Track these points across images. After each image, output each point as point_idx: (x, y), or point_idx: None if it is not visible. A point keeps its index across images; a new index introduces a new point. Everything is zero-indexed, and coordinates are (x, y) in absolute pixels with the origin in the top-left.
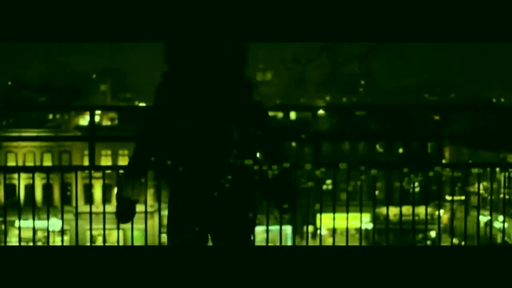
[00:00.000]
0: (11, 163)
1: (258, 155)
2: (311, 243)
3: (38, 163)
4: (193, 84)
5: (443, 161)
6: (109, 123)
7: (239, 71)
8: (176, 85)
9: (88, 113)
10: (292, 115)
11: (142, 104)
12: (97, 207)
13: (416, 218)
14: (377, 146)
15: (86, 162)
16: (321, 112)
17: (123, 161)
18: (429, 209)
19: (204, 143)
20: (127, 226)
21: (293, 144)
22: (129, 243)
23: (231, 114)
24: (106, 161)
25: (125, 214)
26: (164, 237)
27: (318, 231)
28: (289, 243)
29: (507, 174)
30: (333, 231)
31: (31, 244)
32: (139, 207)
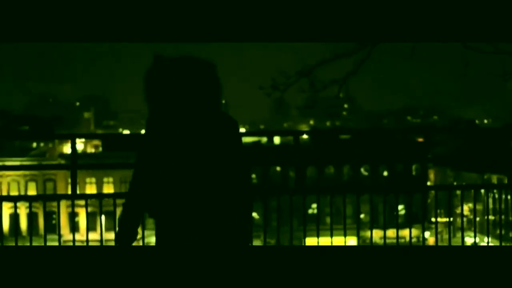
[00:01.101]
0: None
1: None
2: None
3: (22, 192)
4: (176, 127)
5: (428, 183)
6: (93, 150)
7: (215, 108)
8: (159, 131)
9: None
10: (276, 139)
11: (125, 132)
12: (82, 235)
13: (401, 240)
14: (362, 170)
15: (70, 191)
16: (304, 136)
17: (107, 188)
18: (415, 232)
19: (194, 180)
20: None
21: (278, 168)
22: None
23: (218, 153)
24: (90, 188)
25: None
26: None
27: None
28: None
29: (491, 195)
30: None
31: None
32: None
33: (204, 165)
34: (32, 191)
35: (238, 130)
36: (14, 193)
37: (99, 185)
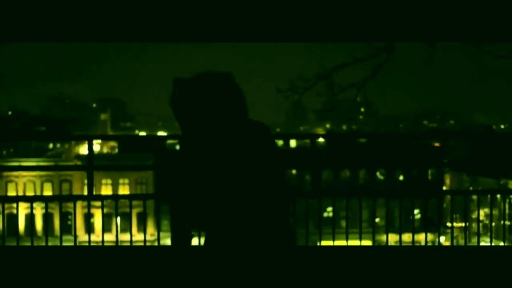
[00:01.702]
0: (11, 192)
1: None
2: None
3: (38, 193)
4: (210, 141)
5: (444, 188)
6: (109, 151)
7: (243, 115)
8: (195, 147)
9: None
10: (292, 143)
11: (142, 133)
12: (97, 236)
13: (417, 244)
14: (378, 174)
15: (86, 191)
16: (321, 139)
17: (123, 190)
18: (430, 236)
19: (238, 189)
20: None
21: (294, 171)
22: None
23: (256, 158)
24: (106, 190)
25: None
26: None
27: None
28: None
29: (507, 200)
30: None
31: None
32: (139, 236)
33: (245, 172)
34: (48, 192)
35: (270, 133)
36: (30, 193)
37: (115, 186)
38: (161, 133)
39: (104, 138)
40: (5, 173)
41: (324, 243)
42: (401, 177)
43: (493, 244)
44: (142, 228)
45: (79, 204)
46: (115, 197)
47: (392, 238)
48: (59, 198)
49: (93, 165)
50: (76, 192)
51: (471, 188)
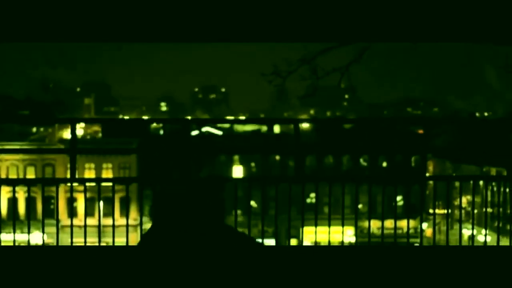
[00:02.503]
0: None
1: None
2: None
3: (21, 176)
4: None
5: (427, 174)
6: (93, 135)
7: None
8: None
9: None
10: (276, 128)
11: (126, 117)
12: (80, 220)
13: (399, 231)
14: (361, 160)
15: (69, 176)
16: (305, 125)
17: (106, 174)
18: (412, 223)
19: None
20: (109, 239)
21: (277, 157)
22: None
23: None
24: (89, 174)
25: None
26: None
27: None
28: None
29: (490, 187)
30: (315, 244)
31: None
32: (122, 221)
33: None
34: (31, 176)
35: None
36: (13, 177)
37: (98, 171)
38: (145, 118)
39: (88, 121)
40: None
41: (306, 228)
42: (384, 164)
43: (475, 231)
44: (125, 212)
45: (62, 188)
46: (98, 180)
47: (375, 224)
48: (42, 181)
49: (76, 148)
50: (59, 176)
51: (454, 175)
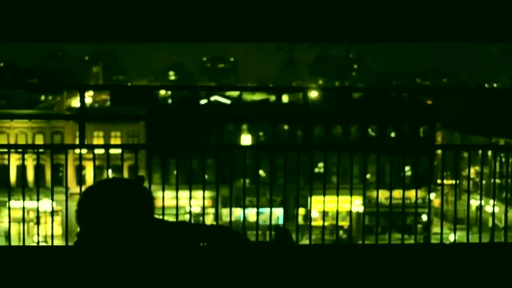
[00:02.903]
0: (2, 143)
1: None
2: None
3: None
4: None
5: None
6: (100, 105)
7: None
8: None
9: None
10: (285, 98)
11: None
12: None
13: (407, 201)
14: (369, 130)
15: (78, 143)
16: (314, 94)
17: (114, 142)
18: (420, 193)
19: None
20: None
21: (285, 127)
22: None
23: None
24: (98, 142)
25: None
26: None
27: (309, 214)
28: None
29: (498, 158)
30: (323, 213)
31: (21, 224)
32: None
33: None
34: (39, 143)
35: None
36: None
37: (107, 139)
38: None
39: (96, 88)
40: None
41: (315, 198)
42: (392, 134)
43: (482, 202)
44: None
45: (70, 156)
46: (106, 146)
47: (383, 195)
48: (51, 147)
49: (85, 115)
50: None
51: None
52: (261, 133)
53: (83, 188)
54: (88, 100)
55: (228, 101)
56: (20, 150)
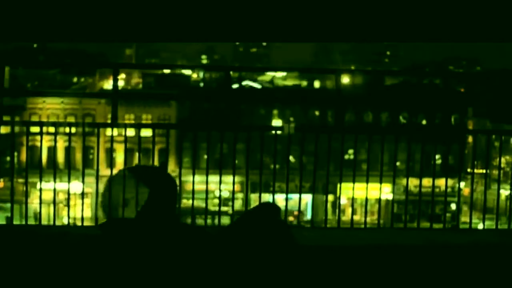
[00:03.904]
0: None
1: None
2: (330, 212)
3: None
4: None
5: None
6: (133, 87)
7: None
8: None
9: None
10: (316, 83)
11: (166, 71)
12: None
13: (437, 190)
14: (400, 117)
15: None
16: (346, 80)
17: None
18: (450, 182)
19: None
20: None
21: (316, 112)
22: None
23: None
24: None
25: None
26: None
27: (338, 201)
28: (309, 211)
29: None
30: (352, 200)
31: (51, 206)
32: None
33: None
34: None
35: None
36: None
37: (138, 122)
38: (185, 71)
39: (129, 66)
40: (29, 105)
41: (344, 185)
42: (424, 122)
43: None
44: None
45: (101, 139)
46: (138, 125)
47: (412, 183)
48: (83, 125)
49: (118, 93)
50: None
51: (493, 136)
52: (291, 119)
53: (114, 171)
54: (121, 83)
55: (259, 86)
56: (52, 130)
